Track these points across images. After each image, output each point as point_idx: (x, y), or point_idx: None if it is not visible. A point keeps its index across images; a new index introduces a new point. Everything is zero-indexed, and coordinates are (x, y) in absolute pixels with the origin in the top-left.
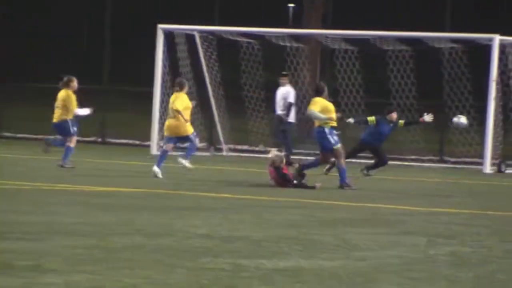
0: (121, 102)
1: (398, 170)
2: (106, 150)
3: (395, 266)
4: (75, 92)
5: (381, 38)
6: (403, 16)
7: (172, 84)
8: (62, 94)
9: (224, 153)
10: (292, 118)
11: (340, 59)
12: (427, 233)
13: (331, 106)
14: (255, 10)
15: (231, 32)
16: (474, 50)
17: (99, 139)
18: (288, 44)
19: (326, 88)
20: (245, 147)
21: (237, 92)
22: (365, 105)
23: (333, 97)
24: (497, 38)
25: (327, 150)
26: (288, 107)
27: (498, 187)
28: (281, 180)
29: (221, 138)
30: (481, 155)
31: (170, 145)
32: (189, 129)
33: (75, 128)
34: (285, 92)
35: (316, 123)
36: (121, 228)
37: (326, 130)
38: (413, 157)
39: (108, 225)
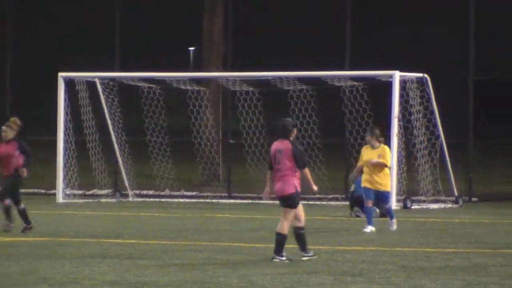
0: None
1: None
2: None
3: None
4: None
5: (281, 78)
6: (303, 56)
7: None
8: None
9: (130, 199)
10: None
11: (241, 100)
12: (332, 271)
13: None
14: (155, 55)
15: (131, 78)
16: (375, 87)
17: None
18: (189, 88)
19: None
20: (151, 191)
21: (141, 137)
22: (268, 145)
23: (236, 139)
24: (397, 74)
25: None
26: None
27: (404, 223)
28: None
29: (127, 184)
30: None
31: None
32: None
33: None
34: None
35: None
36: (26, 278)
37: None
38: (317, 195)
39: (12, 275)
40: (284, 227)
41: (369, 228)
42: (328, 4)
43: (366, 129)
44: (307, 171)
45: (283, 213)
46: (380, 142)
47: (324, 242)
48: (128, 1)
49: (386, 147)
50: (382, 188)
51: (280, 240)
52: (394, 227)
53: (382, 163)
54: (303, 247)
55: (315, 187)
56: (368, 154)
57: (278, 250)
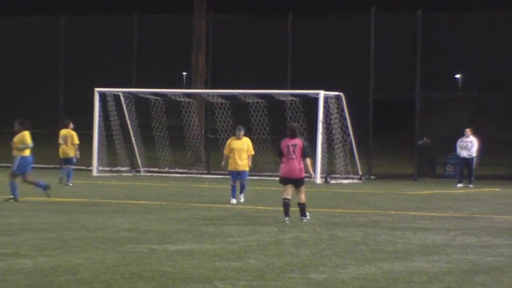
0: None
1: (262, 181)
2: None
3: (255, 247)
4: None
5: (243, 94)
6: (259, 78)
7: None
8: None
9: (142, 173)
10: None
11: (217, 109)
12: (277, 225)
13: None
14: (160, 77)
15: (144, 92)
16: (307, 101)
17: (58, 166)
18: (182, 100)
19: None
20: (156, 169)
21: (149, 132)
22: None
23: (214, 134)
24: (322, 93)
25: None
26: None
27: (325, 192)
28: None
29: (139, 163)
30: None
31: None
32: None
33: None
34: None
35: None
36: (70, 226)
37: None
38: (267, 173)
39: (62, 224)
40: (303, 198)
41: (234, 201)
42: (276, 47)
43: (301, 129)
44: (308, 160)
45: (298, 190)
46: (243, 135)
47: (271, 205)
48: (142, 42)
49: (248, 139)
50: (243, 169)
51: (303, 207)
52: (242, 199)
53: (250, 154)
54: (303, 213)
55: (312, 172)
56: (236, 144)
57: (303, 213)
